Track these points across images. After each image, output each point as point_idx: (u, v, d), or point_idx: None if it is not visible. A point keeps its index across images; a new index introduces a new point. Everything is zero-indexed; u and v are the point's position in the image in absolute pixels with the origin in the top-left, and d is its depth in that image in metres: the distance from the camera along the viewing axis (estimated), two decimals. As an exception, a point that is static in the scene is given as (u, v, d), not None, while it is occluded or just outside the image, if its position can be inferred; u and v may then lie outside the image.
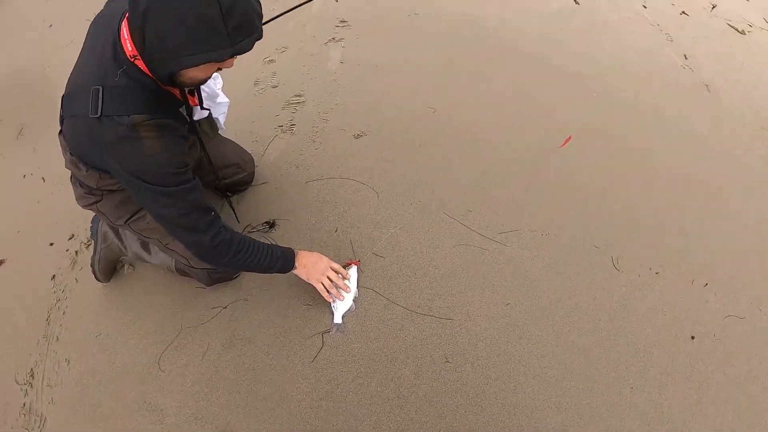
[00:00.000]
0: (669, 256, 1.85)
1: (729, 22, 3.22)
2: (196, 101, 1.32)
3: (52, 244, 2.06)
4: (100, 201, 1.39)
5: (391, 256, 1.72)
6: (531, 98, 2.33)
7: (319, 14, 2.98)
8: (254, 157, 1.97)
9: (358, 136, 2.07)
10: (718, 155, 2.27)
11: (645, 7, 3.15)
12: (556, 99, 2.36)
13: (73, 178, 1.40)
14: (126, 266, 1.81)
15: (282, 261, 1.39)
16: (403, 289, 1.65)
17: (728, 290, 1.79)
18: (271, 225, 1.78)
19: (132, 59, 1.05)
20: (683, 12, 3.22)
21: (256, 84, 2.40)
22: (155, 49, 0.95)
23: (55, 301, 1.88)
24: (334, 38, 2.74)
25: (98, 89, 1.04)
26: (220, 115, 1.68)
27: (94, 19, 1.20)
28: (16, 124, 2.66)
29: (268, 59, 2.54)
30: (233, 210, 1.75)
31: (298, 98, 2.31)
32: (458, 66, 2.47)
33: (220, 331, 1.60)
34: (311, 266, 1.48)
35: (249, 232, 1.82)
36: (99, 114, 1.04)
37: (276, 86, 2.38)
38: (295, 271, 1.45)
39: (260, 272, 1.40)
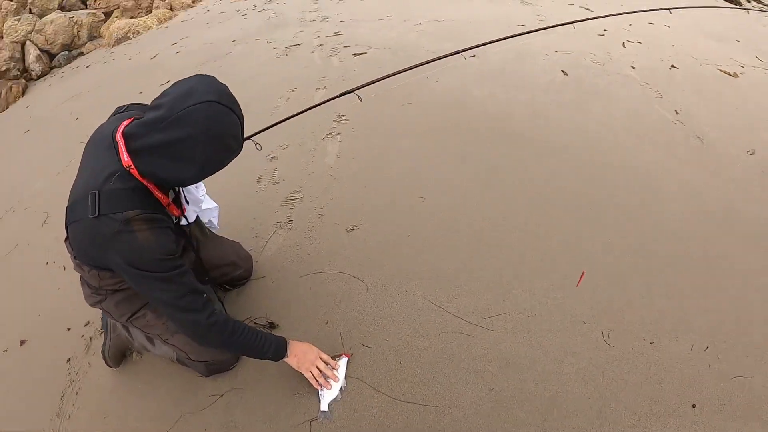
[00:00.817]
0: (664, 323, 1.87)
1: (720, 68, 3.33)
2: (177, 211, 1.51)
3: (69, 329, 2.31)
4: (104, 300, 1.61)
5: (378, 346, 1.86)
6: (518, 176, 2.53)
7: (320, 109, 3.33)
8: (254, 252, 2.22)
9: (350, 230, 2.32)
10: (716, 208, 2.35)
11: (633, 67, 3.34)
12: (544, 174, 2.54)
13: (81, 279, 1.61)
14: (134, 354, 2.03)
15: (275, 348, 1.57)
16: (389, 377, 1.77)
17: (732, 350, 1.79)
18: (273, 326, 1.96)
19: (127, 168, 1.27)
20: (672, 66, 3.35)
21: (258, 181, 2.70)
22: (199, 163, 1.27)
23: (69, 381, 2.10)
24: (331, 133, 3.07)
25: (95, 193, 1.26)
26: (212, 218, 1.95)
27: (91, 136, 1.45)
28: (41, 212, 2.99)
29: (270, 156, 2.86)
30: (223, 307, 1.92)
31: (296, 194, 2.60)
32: (448, 151, 2.73)
33: (217, 418, 1.76)
34: (302, 356, 1.65)
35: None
36: (96, 214, 1.25)
37: (277, 183, 2.69)
38: (286, 360, 1.62)
39: (254, 356, 1.59)
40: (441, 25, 4.79)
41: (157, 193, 1.36)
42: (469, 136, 2.83)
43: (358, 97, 1.95)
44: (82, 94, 6.73)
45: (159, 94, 1.26)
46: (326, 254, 2.23)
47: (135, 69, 6.87)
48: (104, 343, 2.00)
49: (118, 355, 2.01)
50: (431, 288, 2.04)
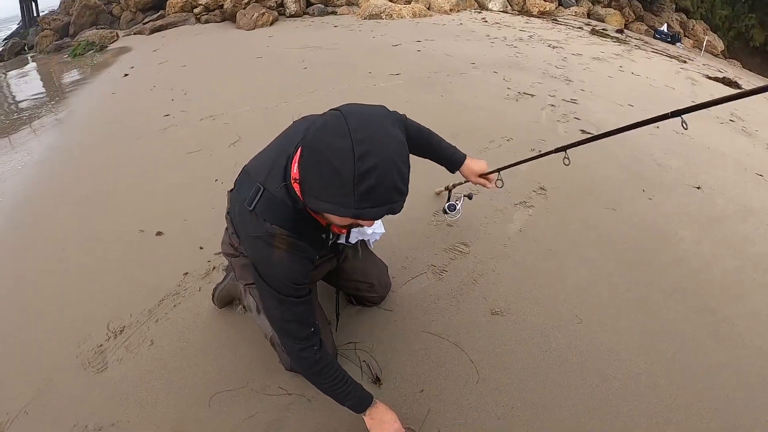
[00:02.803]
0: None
1: None
2: (340, 230, 1.51)
3: (201, 248, 2.55)
4: (236, 257, 1.75)
5: None
6: (682, 345, 2.15)
7: (524, 172, 3.26)
8: (394, 282, 2.23)
9: (494, 313, 2.21)
10: None
11: None
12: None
13: (226, 230, 1.76)
14: (241, 306, 2.16)
15: (355, 402, 1.54)
16: None
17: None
18: (378, 381, 1.91)
19: (293, 181, 1.27)
20: None
21: (434, 215, 2.72)
22: (302, 180, 1.14)
23: (175, 292, 2.34)
24: (525, 202, 2.99)
25: (260, 188, 1.33)
26: (373, 239, 1.98)
27: (300, 119, 1.53)
28: (234, 134, 3.36)
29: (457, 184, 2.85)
30: (336, 322, 1.99)
31: (463, 246, 2.57)
32: (630, 288, 2.42)
33: (272, 410, 1.79)
34: (380, 424, 1.57)
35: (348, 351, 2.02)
36: (252, 208, 1.33)
37: (451, 225, 2.68)
38: (364, 417, 1.58)
39: (334, 399, 1.55)
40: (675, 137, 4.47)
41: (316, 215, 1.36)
42: (652, 277, 2.50)
43: (567, 158, 1.84)
44: (320, 48, 7.53)
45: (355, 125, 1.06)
46: (459, 324, 2.15)
47: (374, 48, 7.50)
48: (220, 282, 2.17)
49: (227, 299, 2.17)
50: (539, 421, 1.81)
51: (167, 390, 1.89)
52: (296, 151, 1.29)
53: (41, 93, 7.76)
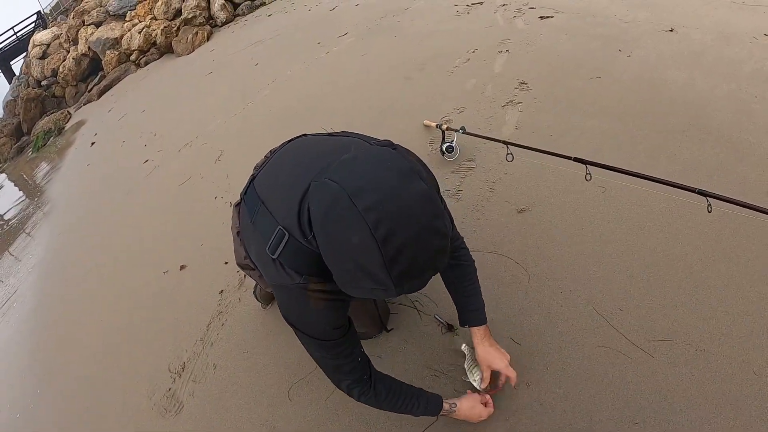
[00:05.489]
0: None
1: None
2: None
3: (226, 263, 2.61)
4: (253, 270, 1.50)
5: (527, 345, 1.78)
6: (714, 182, 2.20)
7: (500, 75, 3.26)
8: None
9: (521, 211, 2.24)
10: None
11: None
12: (744, 184, 2.20)
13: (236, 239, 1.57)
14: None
15: (424, 409, 1.49)
16: (531, 381, 1.69)
17: None
18: (451, 328, 1.91)
19: None
20: None
21: (431, 143, 2.73)
22: (331, 271, 0.99)
23: (218, 312, 2.39)
24: (512, 101, 2.99)
25: (284, 234, 1.13)
26: None
27: (307, 136, 1.41)
28: (216, 150, 3.40)
29: (445, 118, 2.86)
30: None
31: (469, 163, 2.59)
32: (636, 140, 2.49)
33: None
34: (469, 412, 1.56)
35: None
36: (276, 257, 1.14)
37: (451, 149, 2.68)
38: (452, 416, 1.55)
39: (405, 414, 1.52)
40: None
41: None
42: (660, 125, 2.54)
43: (588, 173, 1.83)
44: (263, 41, 7.48)
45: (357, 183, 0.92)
46: (492, 233, 2.18)
47: (314, 19, 7.44)
48: (257, 283, 2.19)
49: (269, 297, 2.22)
50: (597, 293, 1.88)
51: (246, 402, 1.95)
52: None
53: (20, 197, 7.89)
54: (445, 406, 1.52)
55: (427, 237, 0.90)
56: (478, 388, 1.65)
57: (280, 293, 1.23)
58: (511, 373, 1.56)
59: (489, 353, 1.58)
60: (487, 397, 1.61)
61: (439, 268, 0.95)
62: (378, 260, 0.86)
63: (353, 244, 0.88)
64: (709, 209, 1.42)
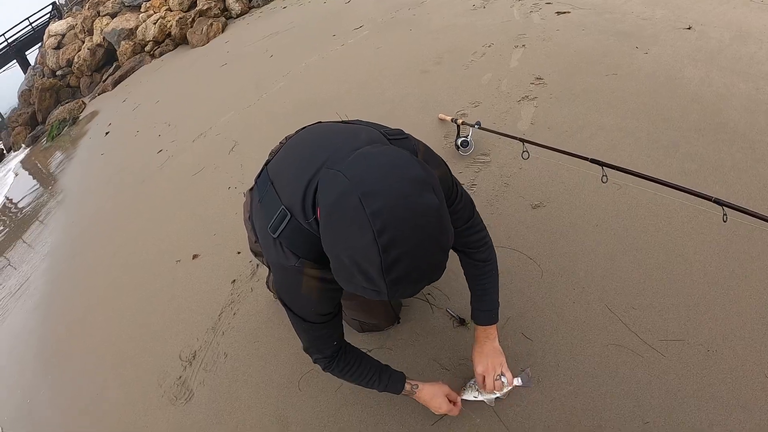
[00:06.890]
0: None
1: None
2: None
3: (239, 253, 2.64)
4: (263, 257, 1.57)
5: (539, 341, 1.78)
6: (730, 181, 2.20)
7: (516, 69, 3.25)
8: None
9: (535, 207, 2.24)
10: None
11: None
12: (757, 181, 2.19)
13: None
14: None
15: (385, 386, 1.53)
16: (542, 378, 1.69)
17: None
18: (463, 322, 1.93)
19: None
20: None
21: (445, 137, 2.73)
22: (330, 263, 0.99)
23: (230, 301, 2.42)
24: (527, 96, 2.98)
25: (286, 214, 1.16)
26: None
27: (321, 124, 1.41)
28: (231, 140, 3.43)
29: (460, 112, 2.86)
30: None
31: (483, 157, 2.59)
32: (652, 137, 2.48)
33: None
34: (429, 400, 1.59)
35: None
36: (276, 236, 1.17)
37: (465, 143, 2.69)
38: (413, 397, 1.58)
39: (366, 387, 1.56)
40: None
41: None
42: (676, 123, 2.53)
43: (604, 175, 1.83)
44: (278, 33, 7.50)
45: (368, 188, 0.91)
46: (506, 228, 2.19)
47: (329, 12, 7.44)
48: (269, 274, 2.22)
49: (282, 286, 2.23)
50: (610, 290, 1.88)
51: (256, 391, 1.98)
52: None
53: (35, 185, 8.01)
54: (407, 387, 1.55)
55: (429, 251, 0.91)
56: (484, 399, 1.64)
57: (276, 272, 1.26)
58: (483, 380, 1.57)
59: (478, 355, 1.60)
60: (457, 398, 1.62)
61: (434, 280, 0.96)
62: (376, 264, 0.87)
63: (355, 244, 0.89)
64: (725, 218, 1.41)
